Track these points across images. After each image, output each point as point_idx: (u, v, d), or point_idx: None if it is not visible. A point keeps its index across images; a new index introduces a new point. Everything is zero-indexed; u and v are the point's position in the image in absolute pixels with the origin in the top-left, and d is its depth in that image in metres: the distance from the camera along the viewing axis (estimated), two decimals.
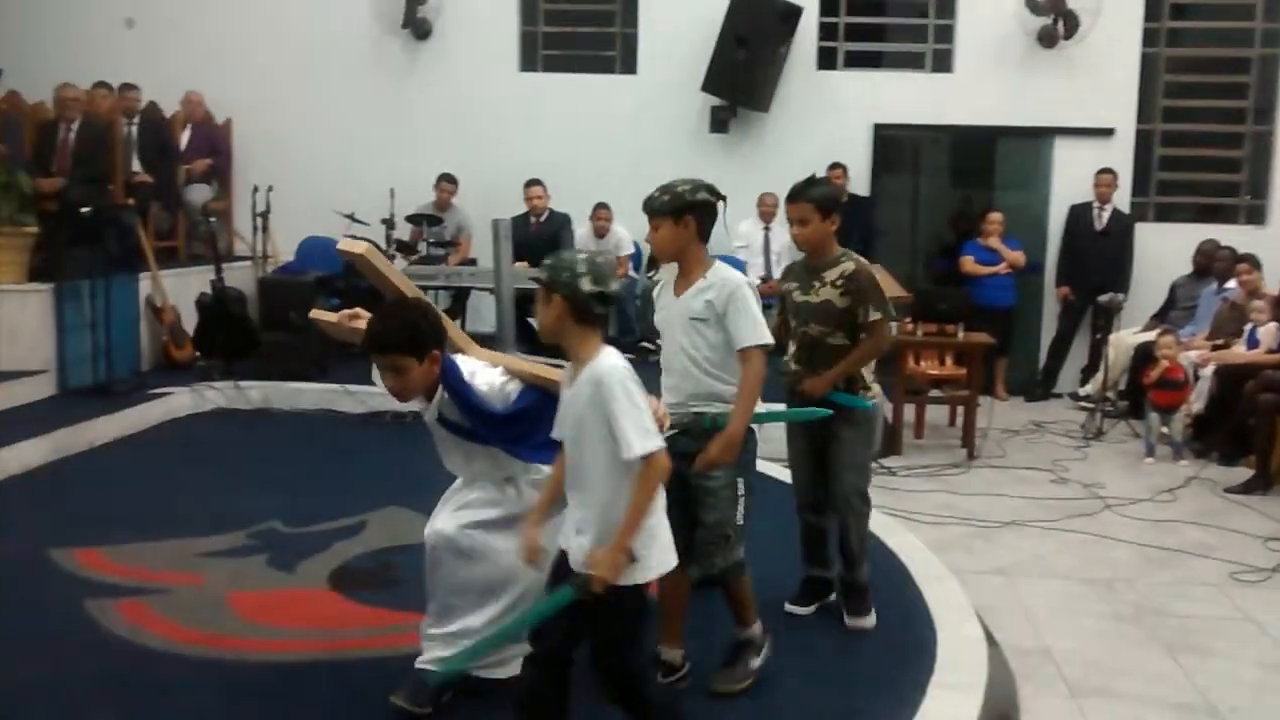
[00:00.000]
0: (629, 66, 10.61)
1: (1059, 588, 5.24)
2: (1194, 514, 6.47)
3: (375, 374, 3.23)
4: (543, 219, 9.73)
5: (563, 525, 2.97)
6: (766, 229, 9.83)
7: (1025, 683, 4.17)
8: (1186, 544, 5.90)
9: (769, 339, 3.51)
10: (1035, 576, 5.38)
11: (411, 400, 3.27)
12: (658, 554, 2.88)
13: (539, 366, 3.36)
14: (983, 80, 10.09)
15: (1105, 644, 4.59)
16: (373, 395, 7.10)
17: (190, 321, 8.66)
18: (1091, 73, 9.94)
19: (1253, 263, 8.46)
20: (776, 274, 9.26)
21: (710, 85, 9.94)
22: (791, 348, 4.25)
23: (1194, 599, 5.13)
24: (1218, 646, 4.57)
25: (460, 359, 3.34)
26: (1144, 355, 8.43)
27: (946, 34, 10.31)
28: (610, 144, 10.17)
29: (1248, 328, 8.05)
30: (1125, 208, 10.03)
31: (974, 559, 5.58)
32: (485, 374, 3.30)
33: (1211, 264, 9.21)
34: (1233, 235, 9.53)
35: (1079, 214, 9.95)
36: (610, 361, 2.81)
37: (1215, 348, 8.24)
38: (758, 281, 9.47)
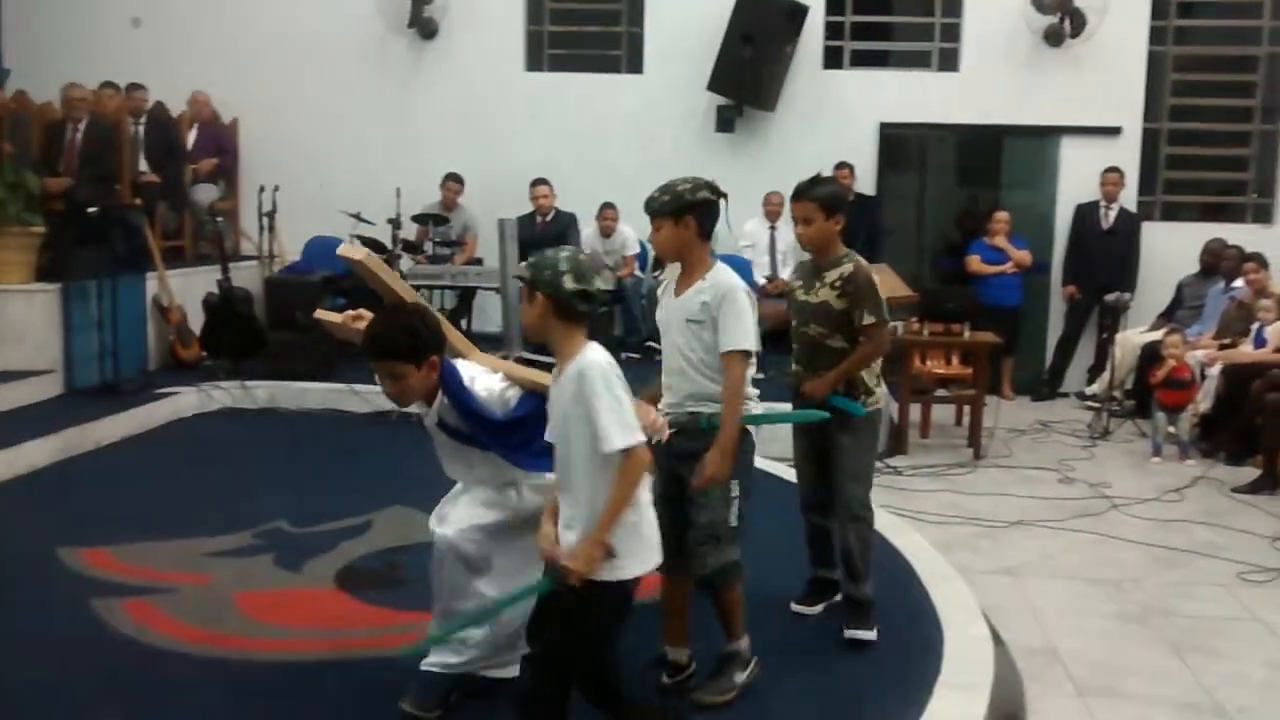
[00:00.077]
0: (635, 66, 10.61)
1: (1066, 587, 5.23)
2: (1201, 514, 6.46)
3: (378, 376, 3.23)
4: (548, 218, 9.74)
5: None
6: (772, 228, 9.82)
7: (1032, 682, 4.16)
8: (1194, 544, 5.89)
9: (751, 345, 3.46)
10: (1042, 576, 5.37)
11: (411, 405, 3.26)
12: (642, 551, 2.87)
13: (537, 373, 3.35)
14: (989, 79, 10.07)
15: (1112, 644, 4.58)
16: (378, 395, 7.09)
17: (197, 321, 8.68)
18: (1098, 71, 9.92)
19: (1260, 261, 8.44)
20: (782, 273, 9.27)
21: (716, 84, 9.94)
22: (795, 348, 4.23)
23: (1201, 599, 5.12)
24: (1225, 646, 4.56)
25: (461, 364, 3.33)
26: (1150, 354, 8.41)
27: (953, 33, 10.30)
28: (616, 143, 10.17)
29: (1255, 327, 8.03)
30: (1132, 206, 10.01)
31: (980, 559, 5.57)
32: (485, 380, 3.30)
33: (1218, 263, 9.19)
34: (1240, 234, 9.50)
35: (1085, 213, 9.94)
36: (592, 357, 2.80)
37: (1222, 347, 8.22)
38: (763, 281, 9.49)
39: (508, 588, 3.37)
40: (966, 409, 8.18)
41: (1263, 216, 10.22)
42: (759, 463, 6.35)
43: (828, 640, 4.11)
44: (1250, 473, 7.13)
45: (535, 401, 3.26)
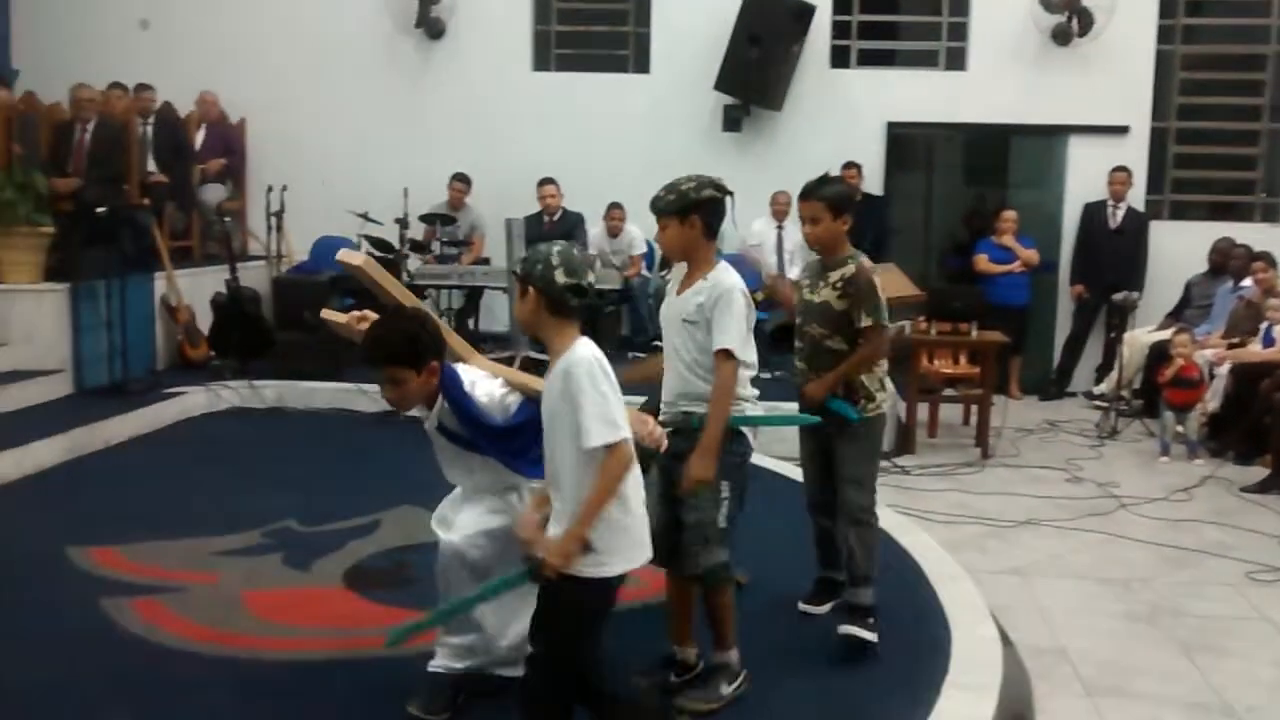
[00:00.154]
0: (642, 66, 10.62)
1: (1074, 587, 5.22)
2: (1210, 513, 6.45)
3: None
4: (556, 218, 9.74)
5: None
6: (779, 228, 9.81)
7: (1040, 682, 4.16)
8: (1202, 543, 5.88)
9: (738, 347, 3.41)
10: (1050, 576, 5.36)
11: (411, 410, 3.26)
12: (628, 549, 2.85)
13: (538, 380, 3.34)
14: (997, 78, 10.06)
15: (1121, 643, 4.57)
16: None
17: (205, 321, 8.70)
18: (1106, 70, 9.90)
19: (1268, 260, 8.41)
20: (790, 273, 9.25)
21: (723, 84, 9.94)
22: (798, 346, 4.21)
23: (1210, 598, 5.11)
24: (1234, 646, 4.55)
25: (462, 368, 3.33)
26: (1159, 354, 8.40)
27: (960, 32, 10.29)
28: (623, 143, 10.17)
29: (1263, 326, 8.01)
30: (1140, 206, 9.99)
31: (988, 558, 5.56)
32: (486, 385, 3.29)
33: (1227, 262, 9.16)
34: (1248, 233, 9.48)
35: (1093, 212, 9.92)
36: (580, 353, 2.79)
37: (1231, 346, 8.20)
38: (769, 280, 9.47)
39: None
40: (974, 408, 8.16)
41: (1271, 215, 10.19)
42: (767, 462, 6.43)
43: (835, 640, 4.09)
44: (1259, 472, 7.11)
45: (535, 408, 3.23)
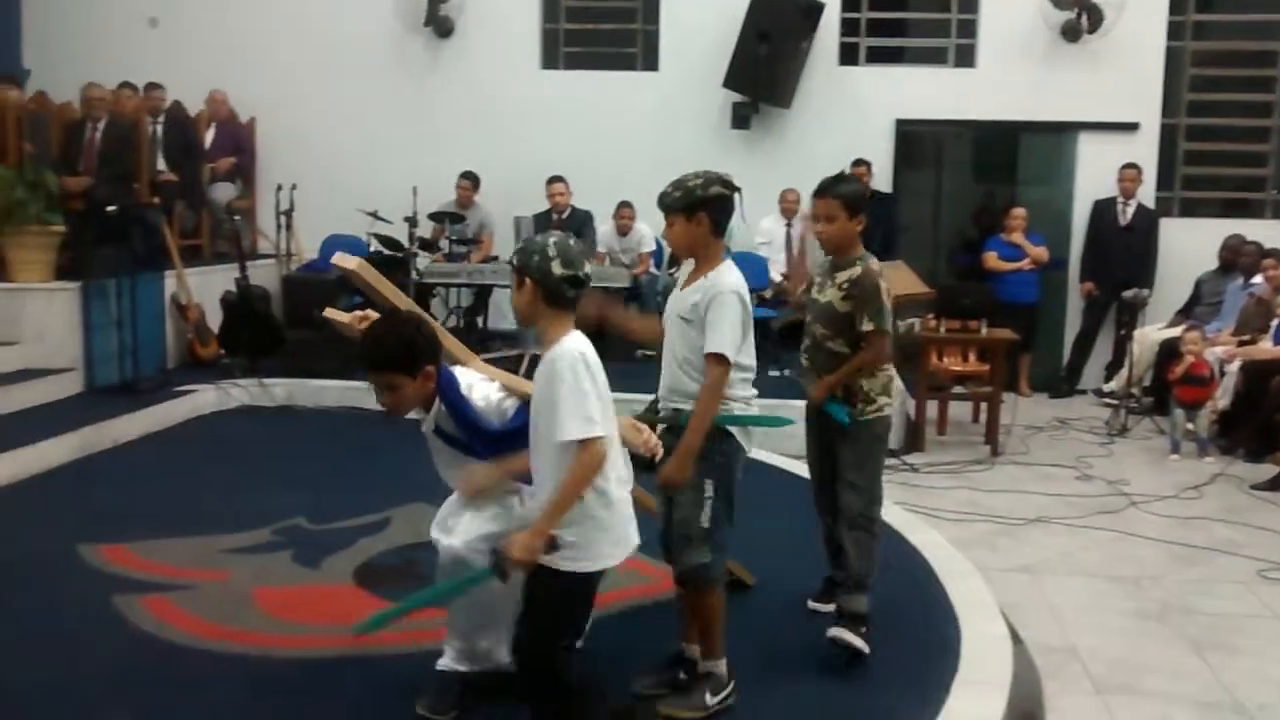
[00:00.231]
0: (650, 63, 10.62)
1: (1084, 585, 5.21)
2: (1220, 511, 6.43)
3: None
4: (565, 216, 9.74)
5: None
6: (788, 225, 9.81)
7: (1050, 680, 4.15)
8: (1213, 541, 5.87)
9: (730, 352, 3.35)
10: (1060, 574, 5.35)
11: (406, 414, 3.25)
12: (605, 546, 2.83)
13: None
14: (1006, 75, 10.04)
15: (1131, 641, 4.56)
16: None
17: (215, 319, 8.73)
18: (1116, 67, 9.88)
19: (1279, 257, 8.39)
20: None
21: (732, 81, 9.94)
22: (804, 344, 4.16)
23: (1221, 596, 5.09)
24: (1245, 644, 4.54)
25: (459, 371, 3.31)
26: (1169, 351, 8.38)
27: (969, 29, 10.27)
28: (632, 141, 10.17)
29: (1274, 323, 7.99)
30: (1150, 203, 9.97)
31: (998, 556, 5.56)
32: (483, 388, 3.28)
33: (1237, 259, 9.14)
34: (1259, 230, 9.45)
35: (1103, 209, 9.90)
36: (567, 346, 2.78)
37: (1241, 343, 8.18)
38: (779, 278, 9.47)
39: (515, 594, 3.37)
40: (984, 406, 8.16)
41: None
42: (777, 460, 6.42)
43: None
44: (1269, 469, 7.08)
45: None
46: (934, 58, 10.53)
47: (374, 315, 3.42)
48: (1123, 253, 9.67)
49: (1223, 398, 7.85)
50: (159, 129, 9.61)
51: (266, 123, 10.76)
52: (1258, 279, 8.61)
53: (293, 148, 10.48)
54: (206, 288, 8.79)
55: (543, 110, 10.44)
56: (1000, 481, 7.00)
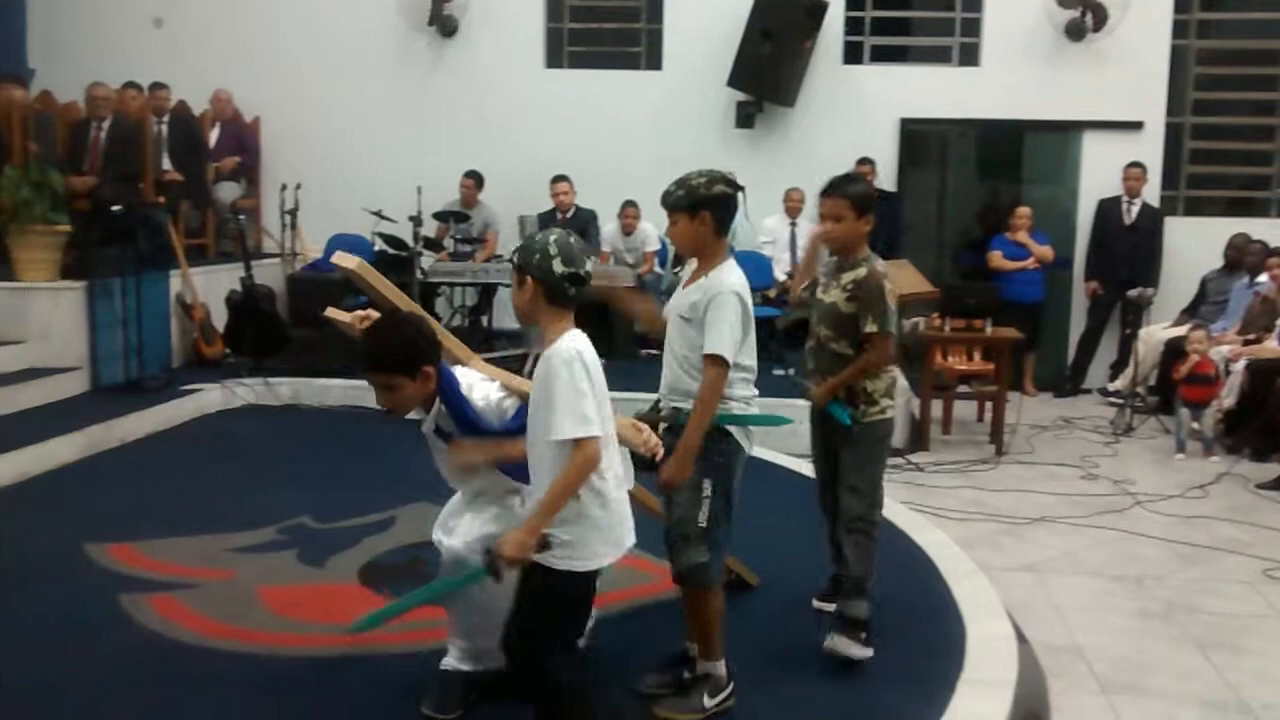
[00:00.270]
0: (654, 63, 10.62)
1: (1089, 584, 5.21)
2: (1225, 510, 6.43)
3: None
4: (569, 215, 9.75)
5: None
6: (792, 224, 9.81)
7: (1055, 680, 4.15)
8: (1218, 540, 5.86)
9: (728, 354, 3.32)
10: (1065, 573, 5.35)
11: (406, 414, 3.24)
12: (600, 545, 2.83)
13: None
14: (1010, 74, 10.04)
15: (1136, 641, 4.56)
16: None
17: (220, 318, 8.73)
18: (1120, 65, 9.87)
19: None
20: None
21: (736, 81, 9.94)
22: (808, 344, 4.13)
23: (1226, 596, 5.09)
24: (1250, 644, 4.54)
25: (459, 371, 3.30)
26: (1174, 350, 8.37)
27: (973, 27, 10.26)
28: (636, 140, 10.17)
29: (1279, 322, 7.98)
30: (1155, 202, 9.95)
31: (1003, 556, 5.56)
32: (483, 388, 3.26)
33: (1242, 258, 9.13)
34: (1264, 229, 9.44)
35: (1108, 208, 9.89)
36: (564, 344, 2.77)
37: (1247, 342, 8.18)
38: (783, 277, 9.47)
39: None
40: (988, 405, 8.16)
41: None
42: (781, 459, 6.41)
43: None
44: (1275, 469, 7.09)
45: None
46: (938, 57, 10.53)
47: (375, 315, 3.42)
48: (1128, 252, 9.66)
49: (1228, 397, 7.84)
50: (164, 129, 9.63)
51: (271, 122, 10.77)
52: (1263, 278, 8.61)
53: (297, 147, 10.50)
54: (212, 287, 8.80)
55: (547, 109, 10.45)
56: (1005, 481, 7.00)
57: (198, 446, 7.04)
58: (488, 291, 9.61)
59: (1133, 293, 8.92)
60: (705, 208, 3.39)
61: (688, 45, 10.33)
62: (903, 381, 7.56)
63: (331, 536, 5.17)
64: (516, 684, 2.97)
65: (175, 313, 8.51)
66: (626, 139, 10.22)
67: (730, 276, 3.40)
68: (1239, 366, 7.88)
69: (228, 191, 10.07)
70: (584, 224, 9.69)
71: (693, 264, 3.58)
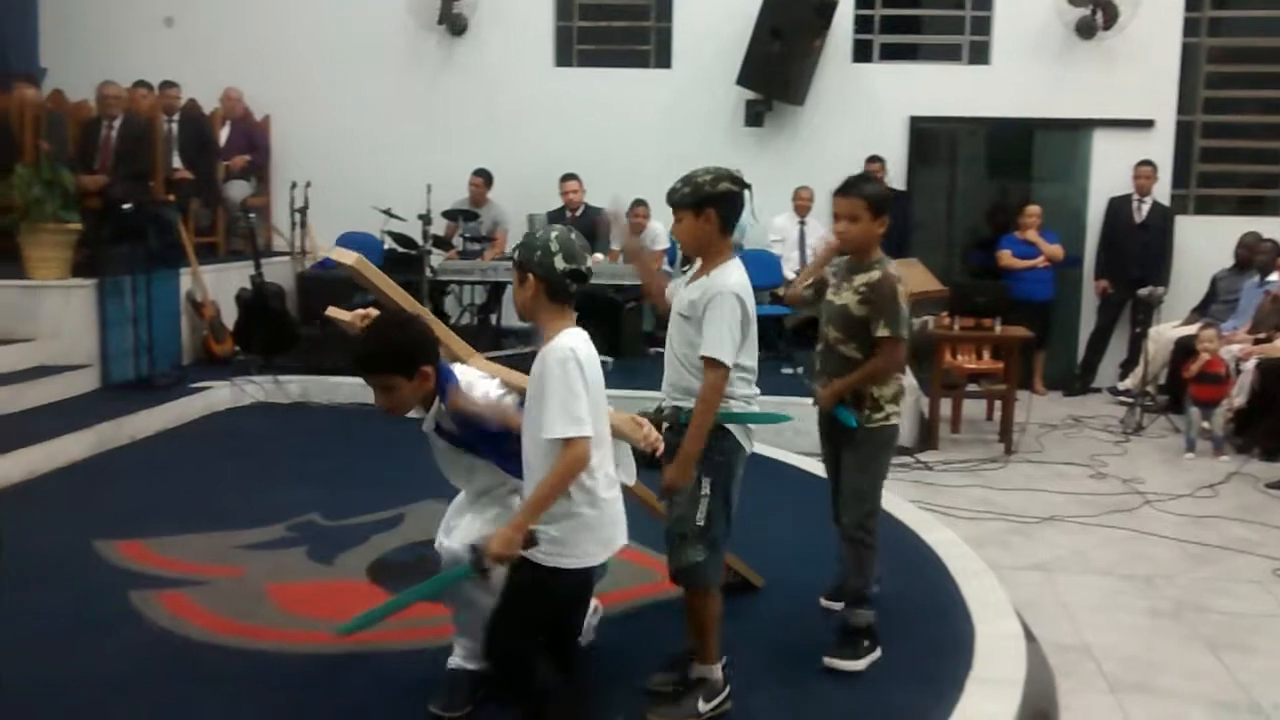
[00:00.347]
0: (664, 61, 10.62)
1: (1098, 584, 5.20)
2: (1235, 509, 6.40)
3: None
4: (578, 213, 9.76)
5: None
6: (802, 223, 9.80)
7: (1064, 679, 4.14)
8: (1227, 540, 5.85)
9: (727, 357, 3.28)
10: (1074, 572, 5.34)
11: (406, 414, 3.23)
12: (588, 545, 2.82)
13: None
14: (1020, 72, 10.02)
15: (1145, 640, 4.55)
16: None
17: (230, 316, 8.76)
18: (1131, 63, 9.84)
19: None
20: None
21: (745, 79, 9.93)
22: (817, 345, 4.07)
23: (1235, 595, 5.07)
24: (1260, 643, 4.52)
25: (459, 369, 3.29)
26: (1184, 349, 8.35)
27: (983, 25, 10.25)
28: (645, 138, 10.18)
29: None
30: (1165, 200, 9.93)
31: (1012, 554, 5.55)
32: (482, 386, 3.24)
33: (1253, 257, 9.09)
34: (1275, 227, 9.41)
35: (1118, 207, 9.87)
36: (560, 342, 2.77)
37: (1257, 341, 8.15)
38: (792, 276, 9.46)
39: None
40: (998, 404, 8.15)
41: None
42: (792, 459, 6.42)
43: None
44: None
45: None
46: (948, 55, 10.51)
47: (375, 314, 3.41)
48: (1138, 250, 9.64)
49: (1238, 396, 7.81)
50: (174, 127, 9.67)
51: (281, 120, 10.80)
52: (1274, 276, 8.58)
53: (307, 145, 10.53)
54: (222, 285, 8.82)
55: (556, 108, 10.45)
56: (1014, 480, 6.98)
57: (207, 444, 7.06)
58: (497, 290, 9.62)
59: (1143, 291, 8.89)
60: (711, 205, 3.35)
61: (697, 44, 10.33)
62: (912, 380, 7.54)
63: (340, 534, 5.18)
64: (498, 683, 2.94)
65: (185, 310, 8.53)
66: (635, 137, 10.23)
67: (731, 277, 3.35)
68: (1249, 365, 7.84)
69: (238, 190, 10.11)
70: (592, 222, 9.70)
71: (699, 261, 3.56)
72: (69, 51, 10.66)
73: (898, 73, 10.32)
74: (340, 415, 7.77)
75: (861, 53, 10.37)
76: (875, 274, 3.83)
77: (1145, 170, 9.70)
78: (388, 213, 9.41)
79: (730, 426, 3.41)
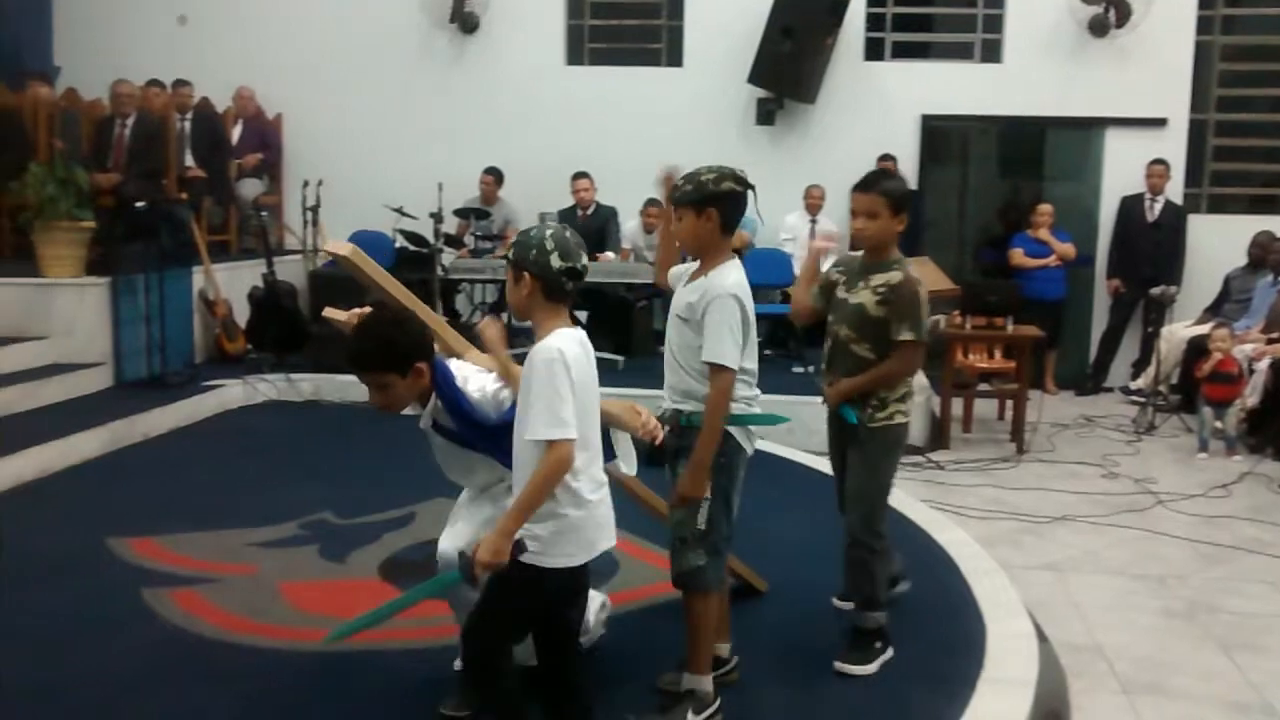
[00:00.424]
0: (675, 59, 10.62)
1: (1110, 584, 5.18)
2: (1248, 509, 6.38)
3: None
4: (589, 212, 9.76)
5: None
6: (813, 221, 9.78)
7: (1076, 679, 4.13)
8: (1240, 540, 5.83)
9: (731, 362, 3.22)
10: (1086, 572, 5.32)
11: (402, 411, 3.21)
12: (571, 546, 2.79)
13: None
14: (1032, 70, 9.99)
15: (1158, 640, 4.54)
16: None
17: (242, 314, 8.78)
18: (1143, 62, 9.81)
19: None
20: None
21: (756, 77, 9.92)
22: (826, 343, 4.00)
23: (1248, 595, 5.06)
24: (1273, 644, 4.51)
25: (454, 364, 3.27)
26: (1197, 349, 8.32)
27: (995, 24, 10.22)
28: (656, 137, 10.15)
29: None
30: (1178, 199, 9.89)
31: (1023, 554, 5.54)
32: (478, 380, 3.22)
33: (1267, 256, 9.05)
34: None
35: (1130, 205, 9.83)
36: (550, 342, 2.74)
37: (1270, 341, 8.11)
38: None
39: None
40: (1009, 403, 8.12)
41: None
42: (803, 458, 6.41)
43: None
44: None
45: None
46: (960, 53, 10.48)
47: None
48: (1150, 249, 9.61)
49: (1251, 396, 7.78)
50: (187, 125, 9.70)
51: (293, 119, 10.83)
52: None
53: (319, 144, 10.55)
54: (234, 283, 8.85)
55: (567, 106, 10.46)
56: (1026, 479, 6.97)
57: (220, 442, 7.09)
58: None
59: (1155, 291, 8.86)
60: (713, 204, 3.29)
61: (708, 42, 10.32)
62: (923, 379, 7.53)
63: (352, 532, 5.20)
64: (469, 679, 2.93)
65: (198, 309, 8.56)
66: (647, 136, 10.20)
67: (729, 278, 3.29)
68: (1262, 365, 7.81)
69: (250, 188, 10.13)
70: (604, 221, 9.71)
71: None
72: (83, 50, 10.69)
73: (909, 71, 10.30)
74: (352, 414, 7.78)
75: (873, 51, 10.35)
76: (896, 275, 3.75)
77: (1158, 169, 9.67)
78: (399, 211, 9.43)
79: (731, 429, 3.35)
